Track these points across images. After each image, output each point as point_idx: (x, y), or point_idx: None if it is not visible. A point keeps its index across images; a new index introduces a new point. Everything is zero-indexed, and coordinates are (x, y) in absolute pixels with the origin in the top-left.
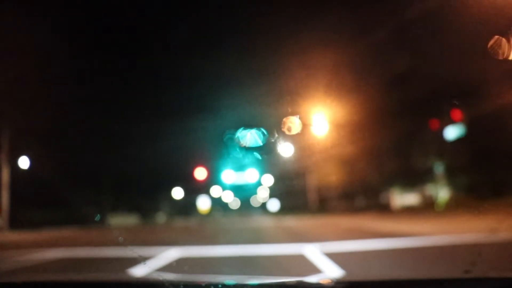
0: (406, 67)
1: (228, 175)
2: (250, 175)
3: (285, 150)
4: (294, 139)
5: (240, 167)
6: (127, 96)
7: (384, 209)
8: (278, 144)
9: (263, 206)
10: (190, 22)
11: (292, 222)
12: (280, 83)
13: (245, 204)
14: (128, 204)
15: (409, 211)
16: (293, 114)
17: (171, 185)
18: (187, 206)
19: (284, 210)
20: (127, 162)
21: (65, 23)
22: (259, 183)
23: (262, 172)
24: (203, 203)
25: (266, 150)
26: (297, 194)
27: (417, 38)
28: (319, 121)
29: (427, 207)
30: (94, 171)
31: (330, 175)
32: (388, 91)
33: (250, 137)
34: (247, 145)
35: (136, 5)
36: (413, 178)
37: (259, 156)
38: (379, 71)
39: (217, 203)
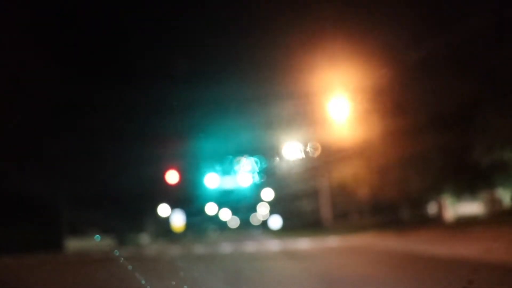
0: None
1: (212, 179)
2: (242, 179)
3: (291, 159)
4: (305, 141)
5: (228, 171)
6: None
7: (435, 222)
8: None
9: (265, 224)
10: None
11: (309, 245)
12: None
13: (245, 223)
14: (100, 225)
15: (477, 225)
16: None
17: (155, 203)
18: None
19: (290, 228)
20: (99, 178)
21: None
22: (255, 190)
23: (262, 186)
24: (177, 219)
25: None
26: (306, 210)
27: None
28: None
29: (499, 218)
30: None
31: (352, 185)
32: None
33: (247, 164)
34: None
35: (130, 29)
36: (474, 179)
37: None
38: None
39: (213, 221)
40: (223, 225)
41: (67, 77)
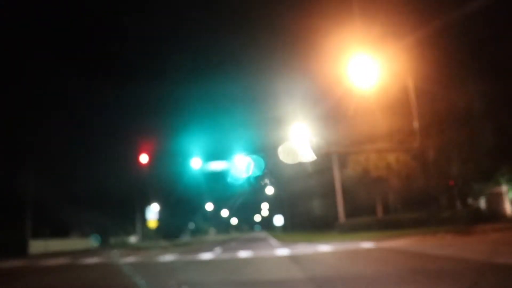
0: None
1: (198, 161)
2: (238, 161)
3: (299, 148)
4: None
5: (220, 156)
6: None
7: (496, 218)
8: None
9: (268, 223)
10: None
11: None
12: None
13: (247, 221)
14: (85, 226)
15: None
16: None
17: (141, 201)
18: (170, 226)
19: (297, 228)
20: (77, 176)
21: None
22: (255, 185)
23: (264, 181)
24: (151, 214)
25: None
26: (317, 207)
27: None
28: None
29: None
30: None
31: (378, 175)
32: None
33: (245, 166)
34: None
35: (140, 30)
36: None
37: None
38: None
39: (212, 219)
40: (222, 224)
41: (46, 72)
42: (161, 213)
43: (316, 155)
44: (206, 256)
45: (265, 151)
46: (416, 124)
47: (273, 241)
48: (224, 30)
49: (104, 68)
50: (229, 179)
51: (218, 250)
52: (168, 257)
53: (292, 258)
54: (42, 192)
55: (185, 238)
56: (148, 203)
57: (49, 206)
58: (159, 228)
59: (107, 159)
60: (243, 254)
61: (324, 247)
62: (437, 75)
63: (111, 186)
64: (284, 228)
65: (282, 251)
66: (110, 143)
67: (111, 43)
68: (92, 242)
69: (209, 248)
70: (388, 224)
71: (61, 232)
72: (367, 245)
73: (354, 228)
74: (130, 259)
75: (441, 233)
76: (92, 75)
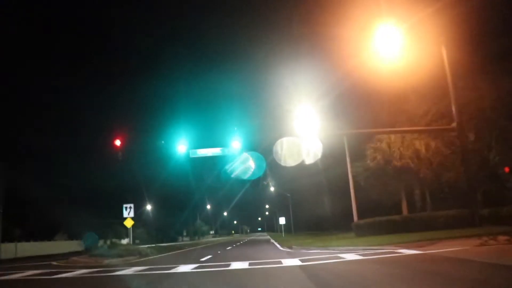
0: None
1: (183, 147)
2: (234, 145)
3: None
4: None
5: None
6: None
7: None
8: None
9: (271, 224)
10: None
11: None
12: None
13: (249, 223)
14: (73, 228)
15: None
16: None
17: (138, 203)
18: (165, 227)
19: (301, 229)
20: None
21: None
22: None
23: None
24: (127, 212)
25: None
26: (324, 207)
27: None
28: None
29: None
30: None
31: (404, 165)
32: None
33: (244, 165)
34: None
35: (126, 21)
36: None
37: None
38: None
39: (211, 220)
40: (223, 225)
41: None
42: (156, 213)
43: (325, 147)
44: (186, 268)
45: (267, 149)
46: (453, 103)
47: (277, 245)
48: (223, 6)
49: (93, 62)
50: (225, 168)
51: (207, 257)
52: (132, 269)
53: (311, 275)
54: (23, 192)
55: (182, 240)
56: (141, 203)
57: (31, 206)
58: (153, 229)
59: (98, 158)
60: (238, 265)
61: (349, 255)
62: (473, 45)
63: (101, 187)
64: (287, 229)
65: (292, 261)
66: (98, 141)
67: (100, 37)
68: (79, 244)
69: (199, 254)
70: (417, 223)
71: (49, 233)
72: (408, 251)
73: (374, 229)
74: (80, 271)
75: (505, 236)
76: (78, 70)
